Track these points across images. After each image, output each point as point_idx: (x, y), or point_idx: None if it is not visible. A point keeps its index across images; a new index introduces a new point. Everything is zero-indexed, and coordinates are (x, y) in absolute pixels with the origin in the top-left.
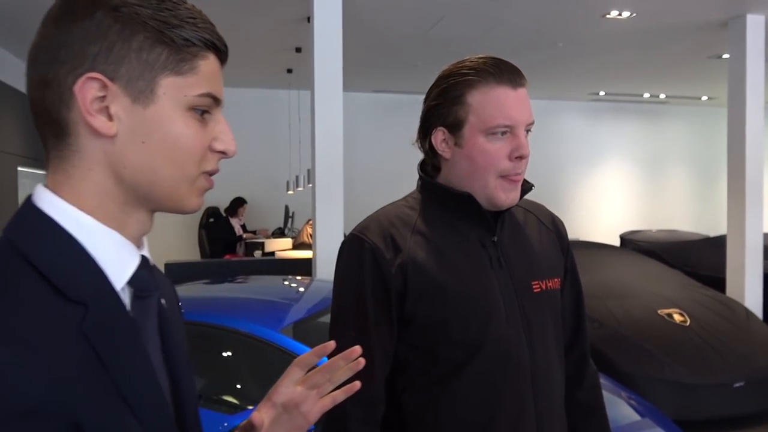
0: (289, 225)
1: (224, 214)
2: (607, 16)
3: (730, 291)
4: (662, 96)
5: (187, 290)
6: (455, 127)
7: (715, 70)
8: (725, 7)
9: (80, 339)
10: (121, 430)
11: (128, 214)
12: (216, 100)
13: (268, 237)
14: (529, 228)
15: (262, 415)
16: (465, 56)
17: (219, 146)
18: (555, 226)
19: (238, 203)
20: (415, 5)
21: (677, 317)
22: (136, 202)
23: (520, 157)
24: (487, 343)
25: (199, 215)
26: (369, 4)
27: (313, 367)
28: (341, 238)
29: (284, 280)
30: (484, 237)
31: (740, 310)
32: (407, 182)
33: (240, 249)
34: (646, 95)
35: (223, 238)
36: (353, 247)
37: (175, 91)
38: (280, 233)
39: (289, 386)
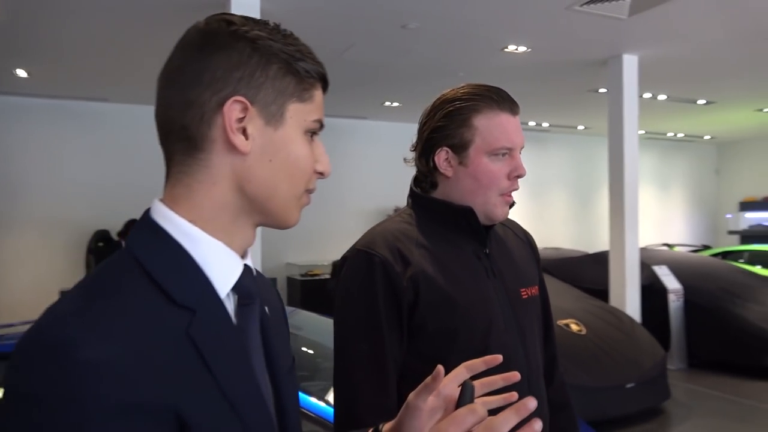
0: None
1: (116, 238)
2: (506, 49)
3: (613, 302)
4: (545, 124)
5: None
6: (461, 148)
7: (592, 103)
8: (605, 47)
9: (187, 342)
10: (223, 425)
11: (238, 226)
12: (322, 126)
13: None
14: (509, 241)
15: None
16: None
17: (320, 167)
18: (527, 239)
19: (132, 226)
20: (329, 29)
21: (574, 327)
22: (249, 215)
23: (519, 176)
24: (490, 349)
25: (86, 239)
26: (284, 24)
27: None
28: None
29: None
30: (478, 249)
31: (626, 318)
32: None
33: None
34: (532, 123)
35: None
36: (361, 261)
37: (298, 115)
38: None
39: (453, 383)
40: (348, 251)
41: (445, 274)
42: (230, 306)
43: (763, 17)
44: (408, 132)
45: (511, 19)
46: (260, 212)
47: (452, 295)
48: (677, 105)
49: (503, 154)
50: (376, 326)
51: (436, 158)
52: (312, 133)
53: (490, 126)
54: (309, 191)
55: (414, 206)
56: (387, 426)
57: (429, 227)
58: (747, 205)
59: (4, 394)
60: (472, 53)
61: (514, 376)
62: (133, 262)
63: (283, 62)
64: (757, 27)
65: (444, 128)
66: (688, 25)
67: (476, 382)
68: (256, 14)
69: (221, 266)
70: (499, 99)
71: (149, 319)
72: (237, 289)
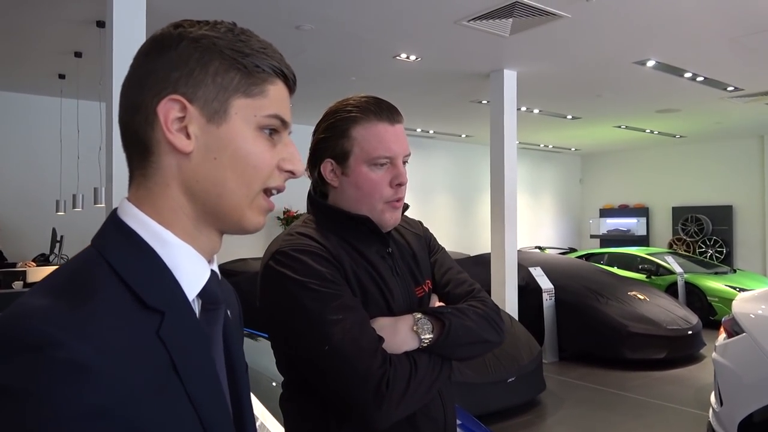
0: (56, 251)
1: None
2: (397, 57)
3: (494, 301)
4: (431, 131)
5: None
6: (342, 158)
7: (474, 113)
8: (489, 62)
9: (157, 343)
10: (184, 427)
11: (200, 230)
12: (283, 123)
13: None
14: (407, 239)
15: None
16: None
17: (287, 166)
18: (423, 231)
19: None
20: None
21: None
22: (206, 219)
23: (400, 184)
24: None
25: None
26: (172, 14)
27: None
28: None
29: None
30: (381, 250)
31: (505, 316)
32: None
33: None
34: (419, 130)
35: None
36: (296, 255)
37: (245, 111)
38: (44, 260)
39: None
40: (271, 258)
41: (362, 269)
42: (196, 309)
43: (619, 46)
44: (298, 133)
45: (403, 29)
46: (213, 215)
47: (370, 289)
48: (548, 119)
49: (382, 164)
50: (335, 294)
51: (322, 169)
52: (271, 130)
53: (368, 136)
54: (272, 189)
55: (315, 212)
56: None
57: (333, 231)
58: (606, 212)
59: None
60: (364, 58)
61: None
62: (104, 263)
63: (227, 58)
64: (614, 54)
65: (327, 140)
66: (560, 47)
67: None
68: (141, 10)
69: (190, 269)
70: (376, 110)
71: (124, 322)
72: (203, 294)
